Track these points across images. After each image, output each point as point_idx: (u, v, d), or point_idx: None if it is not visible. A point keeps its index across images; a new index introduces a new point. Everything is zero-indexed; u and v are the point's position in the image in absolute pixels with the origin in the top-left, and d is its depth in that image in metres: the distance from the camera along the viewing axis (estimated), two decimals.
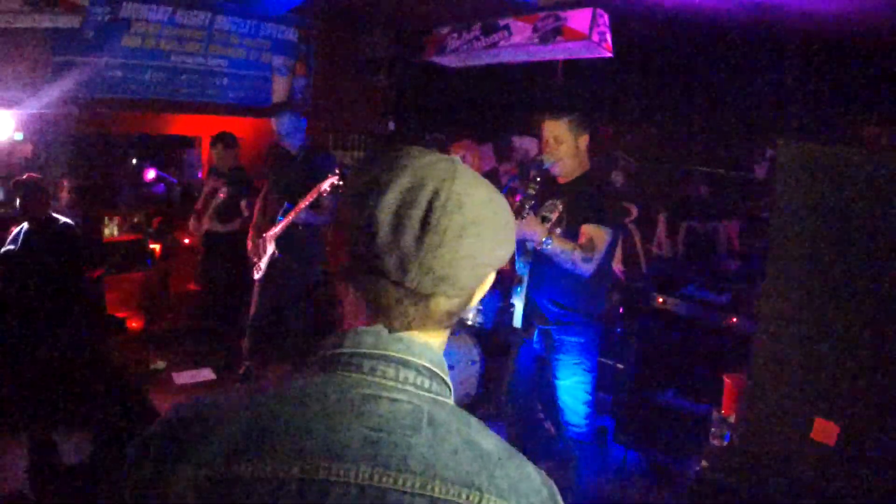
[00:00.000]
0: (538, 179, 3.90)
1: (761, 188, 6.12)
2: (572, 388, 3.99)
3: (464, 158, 8.06)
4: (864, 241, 3.10)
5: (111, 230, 7.38)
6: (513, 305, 4.24)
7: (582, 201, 3.84)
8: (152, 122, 7.43)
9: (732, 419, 3.74)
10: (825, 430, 3.12)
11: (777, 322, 3.32)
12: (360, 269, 1.12)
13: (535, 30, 5.94)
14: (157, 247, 7.49)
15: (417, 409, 1.08)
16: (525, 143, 7.94)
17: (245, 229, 6.26)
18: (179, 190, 8.09)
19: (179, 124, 7.67)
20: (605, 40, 5.68)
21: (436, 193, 1.08)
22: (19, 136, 6.67)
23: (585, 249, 3.67)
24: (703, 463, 3.45)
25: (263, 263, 5.71)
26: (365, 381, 1.09)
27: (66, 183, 7.04)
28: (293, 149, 5.75)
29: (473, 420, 1.17)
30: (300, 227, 5.57)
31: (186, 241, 7.36)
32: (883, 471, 3.01)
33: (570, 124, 3.94)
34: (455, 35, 6.53)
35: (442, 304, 1.14)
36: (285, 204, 5.54)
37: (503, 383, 4.57)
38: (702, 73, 6.39)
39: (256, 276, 5.78)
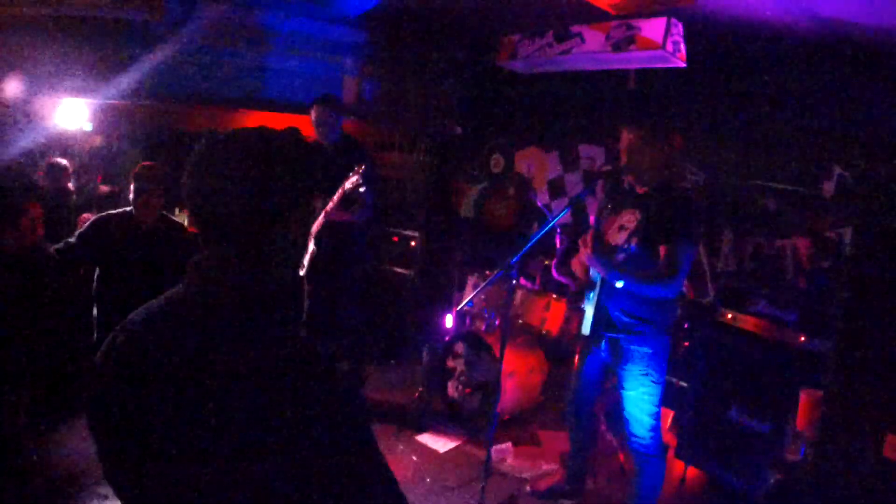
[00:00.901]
0: (606, 193, 3.93)
1: (828, 206, 6.04)
2: (638, 399, 3.98)
3: (529, 165, 8.18)
4: None
5: (181, 220, 7.50)
6: (582, 311, 4.27)
7: (661, 216, 3.83)
8: (223, 119, 7.57)
9: (807, 434, 3.71)
10: None
11: (853, 339, 3.30)
12: None
13: (607, 38, 5.95)
14: None
15: None
16: (591, 153, 7.92)
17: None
18: None
19: (249, 122, 7.80)
20: (679, 50, 5.67)
21: None
22: (89, 127, 6.84)
23: (668, 275, 3.68)
24: (776, 476, 3.44)
25: (305, 261, 5.76)
26: None
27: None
28: (327, 142, 5.81)
29: None
30: (332, 226, 5.62)
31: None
32: None
33: (646, 134, 3.95)
34: (527, 41, 6.56)
35: None
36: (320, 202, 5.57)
37: (567, 391, 4.58)
38: (773, 87, 6.34)
39: (300, 273, 5.82)
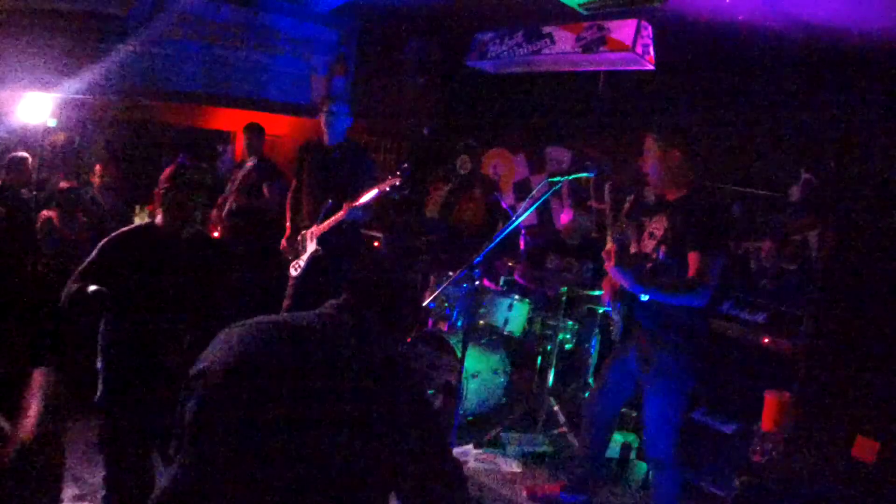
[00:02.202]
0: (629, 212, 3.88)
1: (795, 210, 6.07)
2: (661, 410, 3.87)
3: (496, 167, 8.15)
4: None
5: (141, 219, 7.38)
6: (612, 319, 4.22)
7: (690, 223, 3.74)
8: (190, 114, 7.46)
9: (773, 435, 3.69)
10: (865, 448, 3.08)
11: (822, 341, 3.28)
12: None
13: (578, 39, 5.93)
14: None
15: None
16: (559, 155, 7.90)
17: (266, 214, 6.30)
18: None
19: (217, 118, 7.70)
20: (649, 53, 5.66)
21: None
22: (53, 123, 6.69)
23: (695, 283, 3.60)
24: (743, 478, 3.40)
25: (303, 261, 5.68)
26: None
27: (98, 169, 7.08)
28: (331, 142, 5.73)
29: None
30: (344, 226, 5.55)
31: (215, 234, 7.38)
32: None
33: (657, 139, 3.90)
34: (497, 41, 6.52)
35: None
36: (328, 202, 5.52)
37: (589, 397, 4.47)
38: (741, 91, 6.37)
39: (294, 273, 5.75)
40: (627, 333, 4.01)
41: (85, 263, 3.42)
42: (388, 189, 5.24)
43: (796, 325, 4.85)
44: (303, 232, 5.69)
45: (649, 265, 3.84)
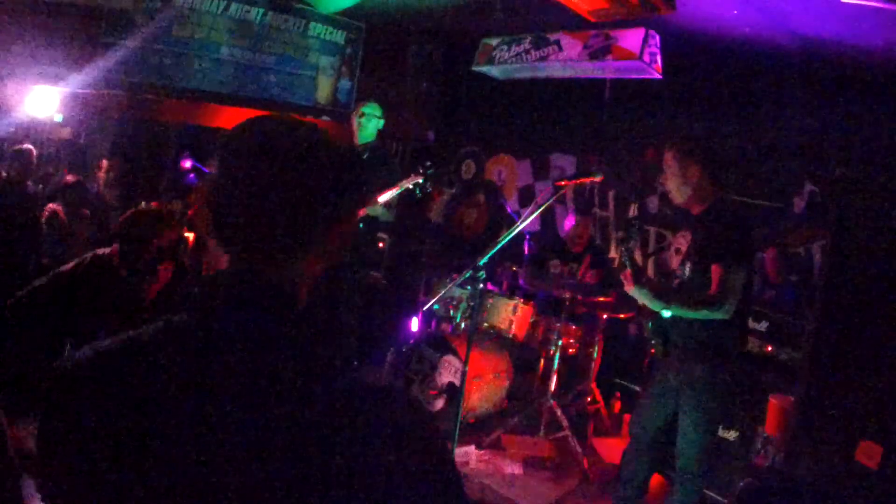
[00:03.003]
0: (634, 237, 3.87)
1: (799, 221, 6.10)
2: (695, 422, 3.83)
3: (500, 173, 8.18)
4: None
5: None
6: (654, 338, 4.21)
7: (712, 236, 3.73)
8: (196, 112, 7.47)
9: (777, 439, 3.71)
10: (869, 453, 3.11)
11: (826, 346, 3.31)
12: None
13: (585, 46, 5.97)
14: (190, 236, 7.50)
15: None
16: (562, 162, 7.94)
17: None
18: None
19: (223, 117, 7.71)
20: (656, 62, 5.70)
21: None
22: (59, 118, 6.71)
23: (717, 296, 3.58)
24: (747, 480, 3.43)
25: None
26: None
27: (104, 163, 7.11)
28: (361, 142, 5.80)
29: None
30: (361, 225, 5.58)
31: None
32: None
33: (678, 153, 3.89)
34: (504, 47, 6.57)
35: None
36: None
37: (638, 411, 4.43)
38: (747, 102, 6.40)
39: None
40: (666, 353, 4.01)
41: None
42: (410, 186, 5.29)
43: (797, 334, 4.88)
44: None
45: (676, 281, 3.84)
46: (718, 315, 3.58)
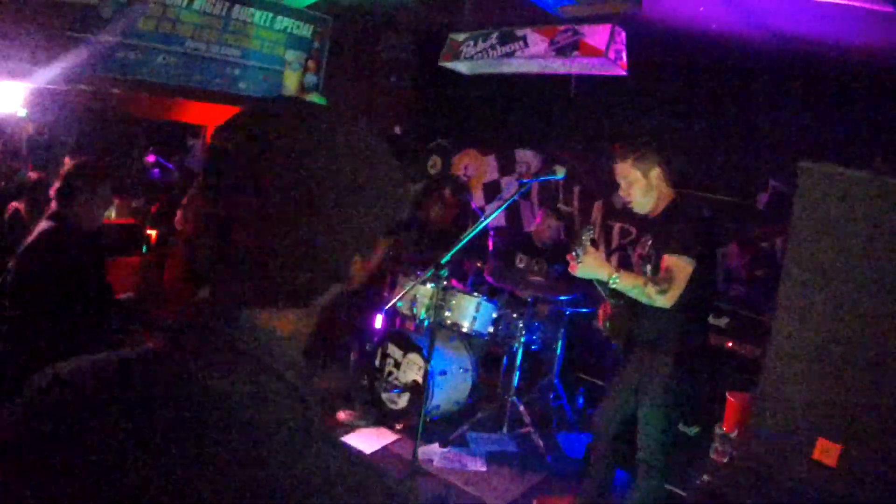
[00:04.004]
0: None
1: (762, 217, 6.16)
2: (653, 415, 3.88)
3: (466, 168, 8.16)
4: (878, 267, 3.12)
5: (109, 212, 7.33)
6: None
7: (668, 232, 3.76)
8: (161, 107, 7.40)
9: (735, 437, 3.74)
10: (827, 451, 3.13)
11: (786, 342, 3.33)
12: None
13: (552, 43, 5.96)
14: (153, 233, 7.44)
15: None
16: (527, 157, 7.95)
17: None
18: (179, 177, 8.07)
19: (188, 112, 7.65)
20: (621, 58, 5.71)
21: None
22: (23, 113, 6.62)
23: (661, 282, 3.60)
24: (705, 477, 3.45)
25: None
26: None
27: (68, 161, 7.01)
28: None
29: None
30: None
31: None
32: (883, 493, 3.02)
33: (636, 162, 3.87)
34: (471, 42, 6.54)
35: None
36: None
37: (601, 406, 4.41)
38: (712, 99, 6.45)
39: None
40: (629, 350, 4.03)
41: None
42: None
43: (758, 330, 4.92)
44: None
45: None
46: (660, 301, 3.60)
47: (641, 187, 3.89)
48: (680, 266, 3.62)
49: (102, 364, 1.03)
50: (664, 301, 3.59)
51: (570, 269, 3.74)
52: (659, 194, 3.90)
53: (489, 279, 6.17)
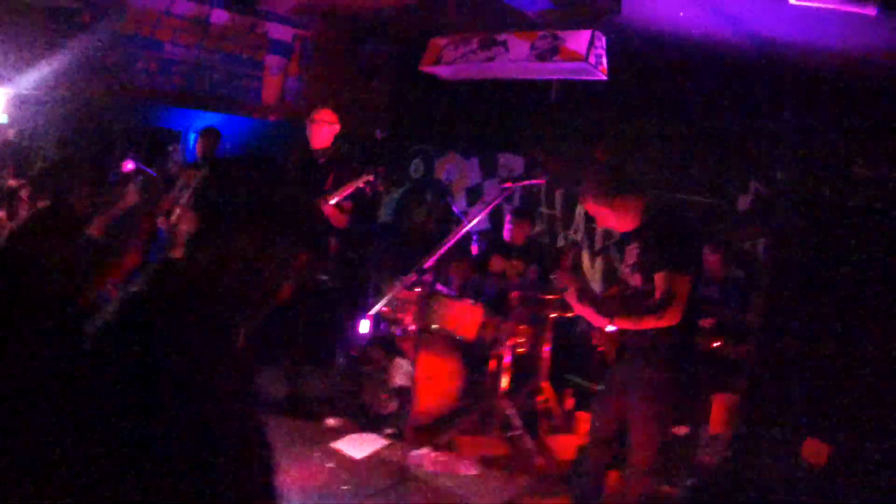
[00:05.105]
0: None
1: (743, 219, 6.21)
2: (644, 420, 3.87)
3: (449, 172, 8.18)
4: (860, 267, 3.18)
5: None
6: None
7: (655, 246, 3.79)
8: (140, 111, 7.37)
9: (723, 437, 3.79)
10: (816, 451, 3.19)
11: (772, 344, 3.38)
12: None
13: (532, 48, 5.98)
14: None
15: None
16: (510, 161, 7.98)
17: None
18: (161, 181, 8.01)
19: (168, 117, 7.61)
20: (602, 63, 5.74)
21: None
22: (4, 119, 6.57)
23: (660, 305, 3.62)
24: (693, 479, 3.49)
25: None
26: None
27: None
28: (317, 147, 5.82)
29: None
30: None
31: None
32: (871, 491, 3.08)
33: (595, 199, 3.93)
34: (452, 47, 6.55)
35: None
36: None
37: (593, 408, 4.44)
38: (692, 102, 6.49)
39: None
40: (619, 355, 4.06)
41: None
42: (362, 185, 5.31)
43: (742, 331, 4.98)
44: None
45: (630, 292, 3.89)
46: (664, 322, 3.63)
47: (612, 216, 3.95)
48: (676, 282, 3.65)
49: None
50: (668, 321, 3.63)
51: (569, 301, 3.83)
52: (632, 215, 3.96)
53: (472, 285, 6.18)
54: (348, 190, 5.41)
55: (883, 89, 5.37)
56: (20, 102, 6.33)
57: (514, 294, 5.82)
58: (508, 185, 5.54)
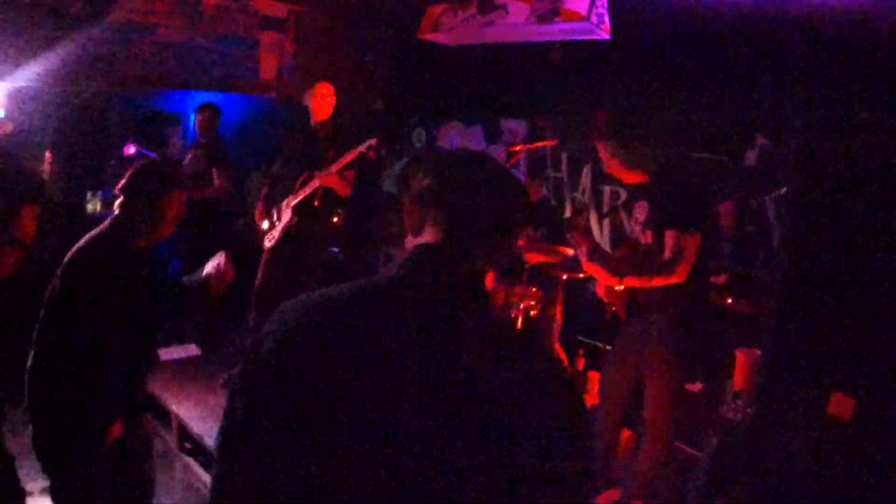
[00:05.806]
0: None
1: (751, 175, 6.17)
2: (659, 377, 3.94)
3: (452, 140, 8.13)
4: (882, 220, 3.15)
5: (94, 205, 7.25)
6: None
7: (665, 203, 3.81)
8: (139, 97, 7.32)
9: (746, 393, 3.78)
10: (841, 405, 3.17)
11: (794, 298, 3.36)
12: None
13: (532, 10, 5.91)
14: None
15: None
16: (514, 126, 7.93)
17: (216, 204, 6.34)
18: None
19: (166, 101, 7.57)
20: (604, 22, 5.67)
21: None
22: (1, 113, 6.54)
23: (669, 264, 3.64)
24: (718, 437, 3.49)
25: (278, 232, 5.72)
26: None
27: (48, 156, 6.91)
28: (317, 121, 5.82)
29: None
30: (321, 199, 5.62)
31: None
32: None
33: (608, 146, 3.97)
34: (450, 12, 6.48)
35: None
36: (304, 174, 5.60)
37: (606, 368, 4.47)
38: (697, 58, 6.41)
39: (268, 244, 5.79)
40: (630, 314, 4.06)
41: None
42: (364, 150, 5.31)
43: (756, 286, 4.96)
44: (278, 203, 5.75)
45: (640, 251, 3.89)
46: (672, 280, 3.64)
47: (625, 164, 3.98)
48: (686, 241, 3.65)
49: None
50: (677, 278, 3.64)
51: (583, 266, 3.84)
52: (641, 164, 3.94)
53: None
54: (350, 156, 5.41)
55: (890, 38, 5.30)
56: (16, 96, 6.30)
57: (521, 242, 5.81)
58: (519, 147, 5.49)
